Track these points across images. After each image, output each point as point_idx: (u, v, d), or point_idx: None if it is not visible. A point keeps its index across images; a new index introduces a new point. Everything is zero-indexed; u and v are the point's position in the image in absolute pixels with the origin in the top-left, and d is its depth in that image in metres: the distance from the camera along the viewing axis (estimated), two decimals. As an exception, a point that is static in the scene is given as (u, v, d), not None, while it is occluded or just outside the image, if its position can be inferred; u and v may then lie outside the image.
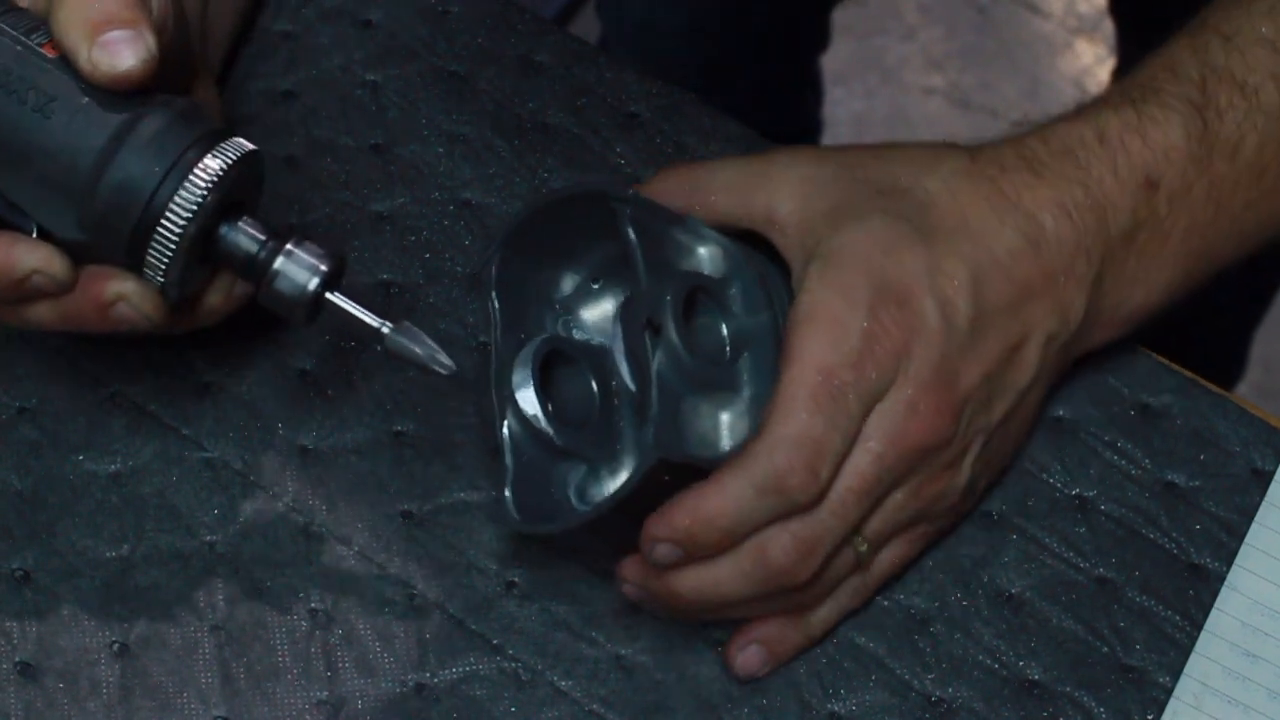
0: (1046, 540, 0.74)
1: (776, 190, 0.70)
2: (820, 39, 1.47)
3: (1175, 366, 0.78)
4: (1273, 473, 0.75)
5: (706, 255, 0.70)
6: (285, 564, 0.73)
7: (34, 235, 0.65)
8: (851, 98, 2.03)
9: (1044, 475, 0.75)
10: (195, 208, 0.64)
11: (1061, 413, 0.76)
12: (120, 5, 0.64)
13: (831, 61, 2.03)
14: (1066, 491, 0.75)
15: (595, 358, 0.72)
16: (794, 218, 0.70)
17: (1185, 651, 0.72)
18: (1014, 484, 0.75)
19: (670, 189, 0.72)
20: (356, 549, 0.73)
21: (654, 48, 1.36)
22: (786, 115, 1.50)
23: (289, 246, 0.67)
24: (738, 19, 1.34)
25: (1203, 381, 0.77)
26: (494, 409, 0.70)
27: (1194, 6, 0.74)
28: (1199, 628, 0.72)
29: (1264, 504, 0.75)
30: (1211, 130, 0.71)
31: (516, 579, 0.73)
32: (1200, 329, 1.42)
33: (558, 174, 0.81)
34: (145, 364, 0.76)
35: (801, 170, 0.71)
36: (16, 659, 0.71)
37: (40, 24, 0.66)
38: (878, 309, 0.66)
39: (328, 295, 0.67)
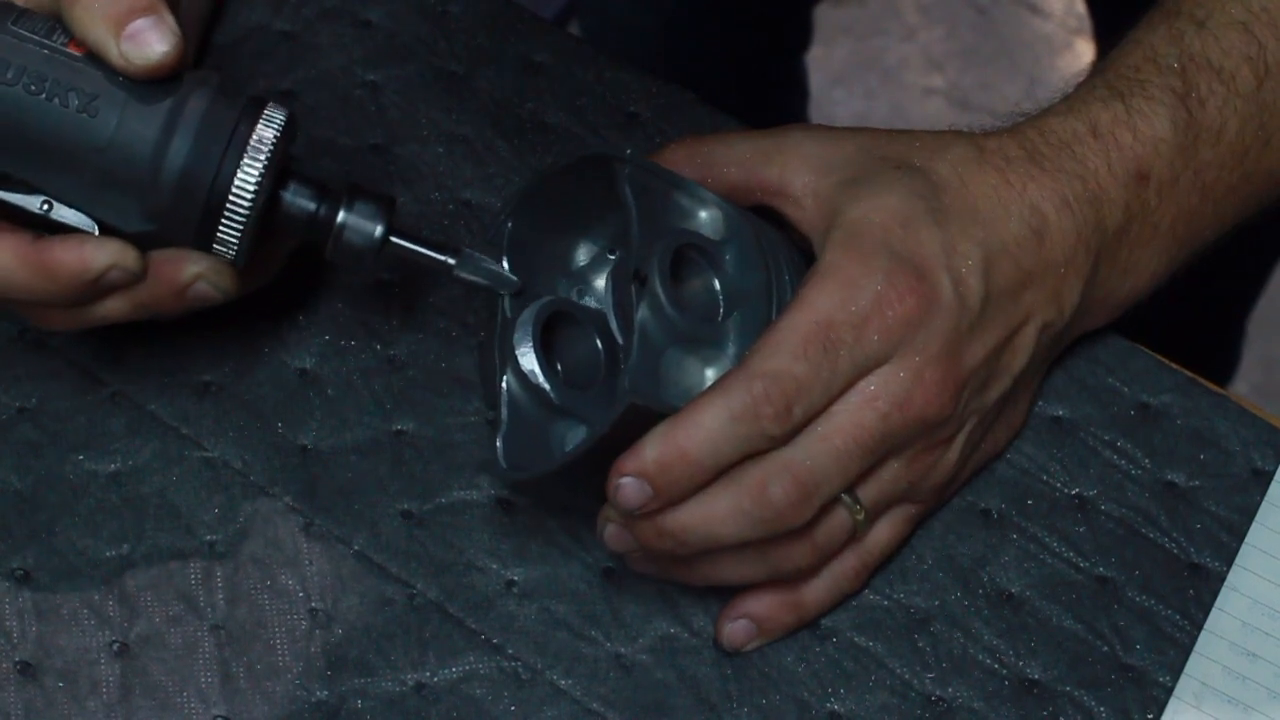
0: (1046, 540, 0.74)
1: (790, 163, 0.71)
2: (803, 38, 1.46)
3: (1175, 366, 0.78)
4: (1273, 473, 0.75)
5: (706, 218, 0.71)
6: (285, 564, 0.73)
7: (96, 233, 0.66)
8: (851, 98, 2.03)
9: (1044, 475, 0.75)
10: (259, 180, 0.66)
11: (1061, 413, 0.76)
12: None
13: (831, 61, 2.03)
14: (1066, 491, 0.75)
15: (602, 321, 0.73)
16: (809, 189, 0.71)
17: (1185, 651, 0.72)
18: (1014, 484, 0.75)
19: (680, 160, 0.73)
20: (356, 549, 0.73)
21: (633, 50, 1.36)
22: (773, 115, 1.50)
23: (347, 199, 0.69)
24: (718, 20, 1.34)
25: (1203, 381, 0.77)
26: (494, 365, 0.71)
27: None
28: (1199, 627, 0.73)
29: (1264, 504, 0.75)
30: (1195, 119, 0.72)
31: (516, 578, 0.73)
32: (1200, 328, 1.42)
33: (558, 174, 0.81)
34: (145, 364, 0.76)
35: (816, 145, 0.72)
36: (16, 658, 0.71)
37: (55, 23, 0.66)
38: (895, 276, 0.67)
39: (392, 239, 0.69)
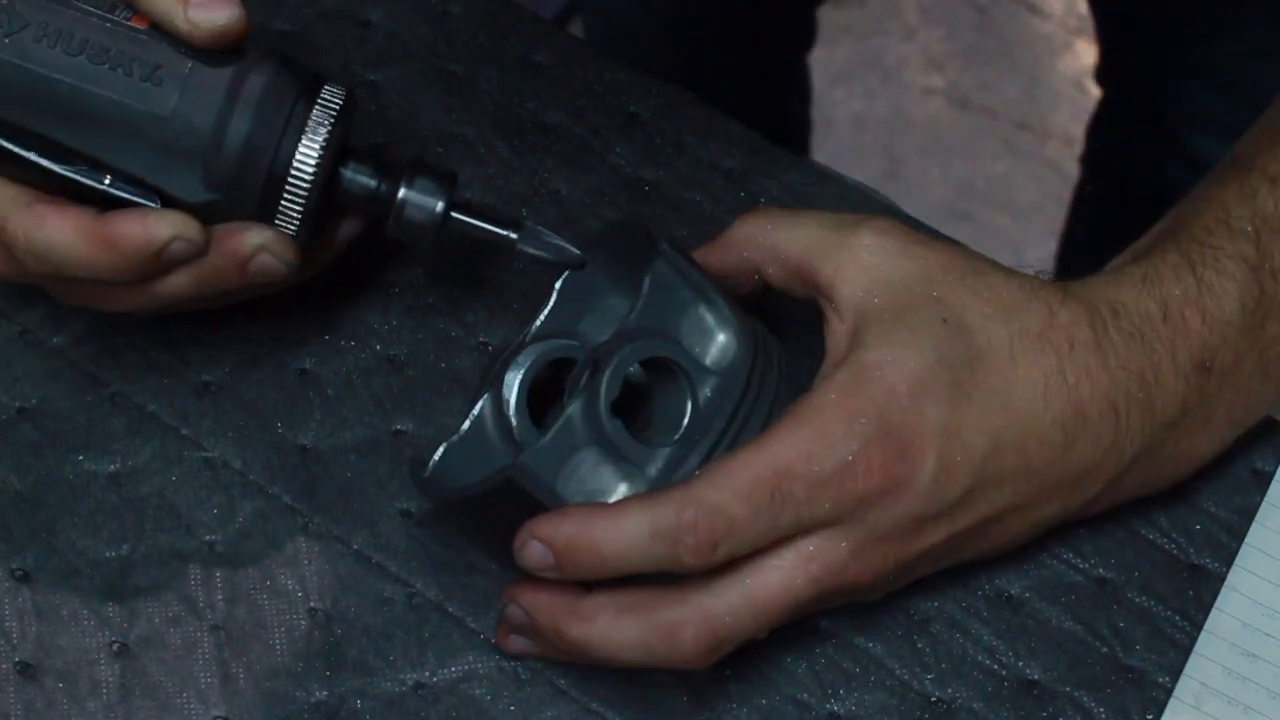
0: (1046, 541, 0.74)
1: (846, 268, 0.67)
2: (806, 37, 1.46)
3: (1175, 366, 0.78)
4: (1273, 473, 0.75)
5: (719, 340, 0.68)
6: (285, 564, 0.73)
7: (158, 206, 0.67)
8: (851, 98, 2.03)
9: (1044, 475, 0.75)
10: (321, 152, 0.67)
11: (1061, 413, 0.76)
12: None
13: (831, 61, 2.03)
14: (1066, 491, 0.75)
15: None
16: (850, 304, 0.66)
17: (1185, 651, 0.72)
18: (1014, 484, 0.75)
19: (747, 235, 0.69)
20: (356, 548, 0.73)
21: (636, 51, 1.36)
22: (774, 116, 1.50)
23: (408, 175, 0.69)
24: (720, 19, 1.34)
25: (1202, 381, 0.77)
26: (479, 385, 0.70)
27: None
28: (1199, 628, 0.73)
29: (1264, 504, 0.75)
30: (1267, 294, 0.68)
31: (516, 579, 0.73)
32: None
33: (557, 174, 0.81)
34: (145, 364, 0.76)
35: (879, 256, 0.67)
36: (16, 659, 0.71)
37: (117, 2, 0.67)
38: (873, 446, 0.63)
39: (454, 215, 0.70)
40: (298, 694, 0.71)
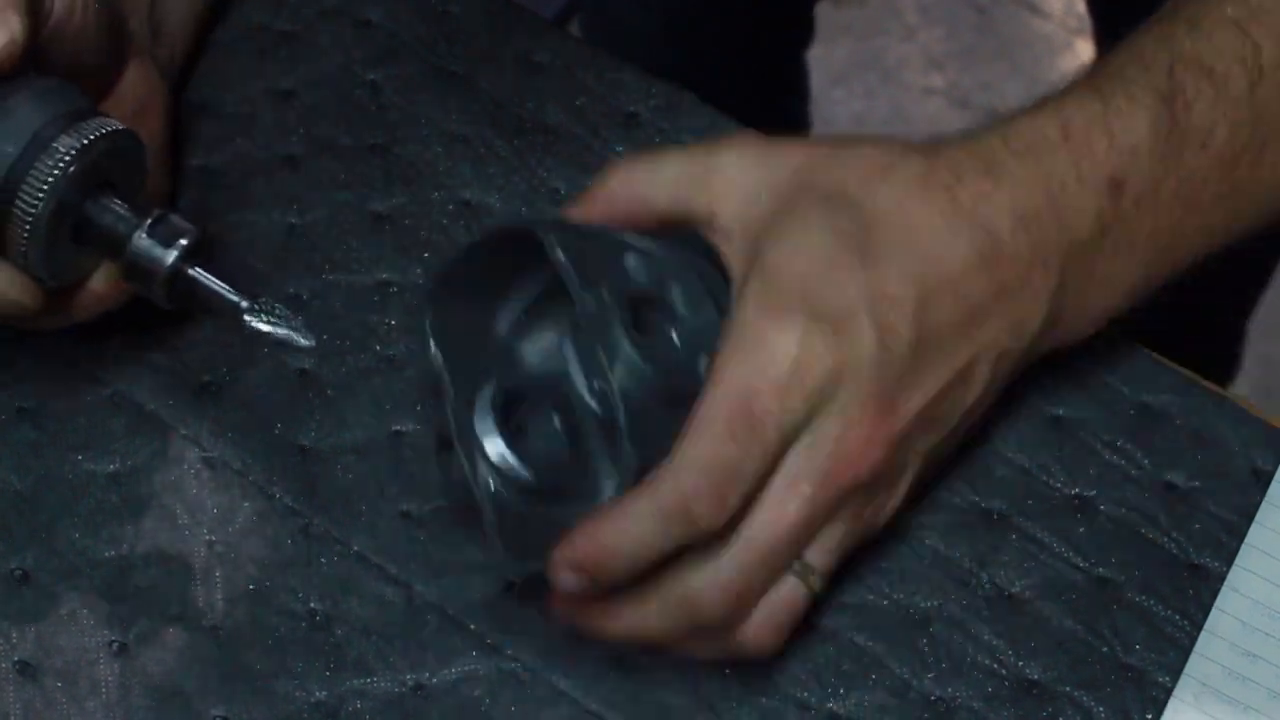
0: (1046, 540, 0.74)
1: (718, 192, 0.67)
2: (805, 36, 1.46)
3: (1175, 366, 0.78)
4: (1273, 473, 0.75)
5: (639, 265, 0.68)
6: (285, 564, 0.73)
7: None
8: (851, 98, 2.03)
9: (1044, 475, 0.75)
10: (50, 181, 0.65)
11: (1061, 413, 0.76)
12: None
13: (831, 61, 2.03)
14: (1066, 491, 0.75)
15: (552, 390, 0.69)
16: (734, 223, 0.66)
17: (1185, 651, 0.72)
18: (1014, 484, 0.75)
19: (615, 190, 0.69)
20: (356, 549, 0.73)
21: (636, 51, 1.36)
22: (773, 115, 1.50)
23: (150, 220, 0.67)
24: (719, 19, 1.34)
25: (1203, 381, 0.77)
26: (463, 464, 0.67)
27: None
28: (1199, 628, 0.72)
29: (1264, 504, 0.75)
30: (1180, 123, 0.67)
31: (516, 579, 0.73)
32: (1200, 328, 1.42)
33: (557, 173, 0.81)
34: (145, 364, 0.76)
35: (746, 169, 0.67)
36: (15, 658, 0.71)
37: None
38: (810, 336, 0.63)
39: (189, 270, 0.67)
40: (298, 694, 0.71)
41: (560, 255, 0.65)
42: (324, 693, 0.71)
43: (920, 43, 2.07)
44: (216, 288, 0.67)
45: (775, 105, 1.50)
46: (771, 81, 1.48)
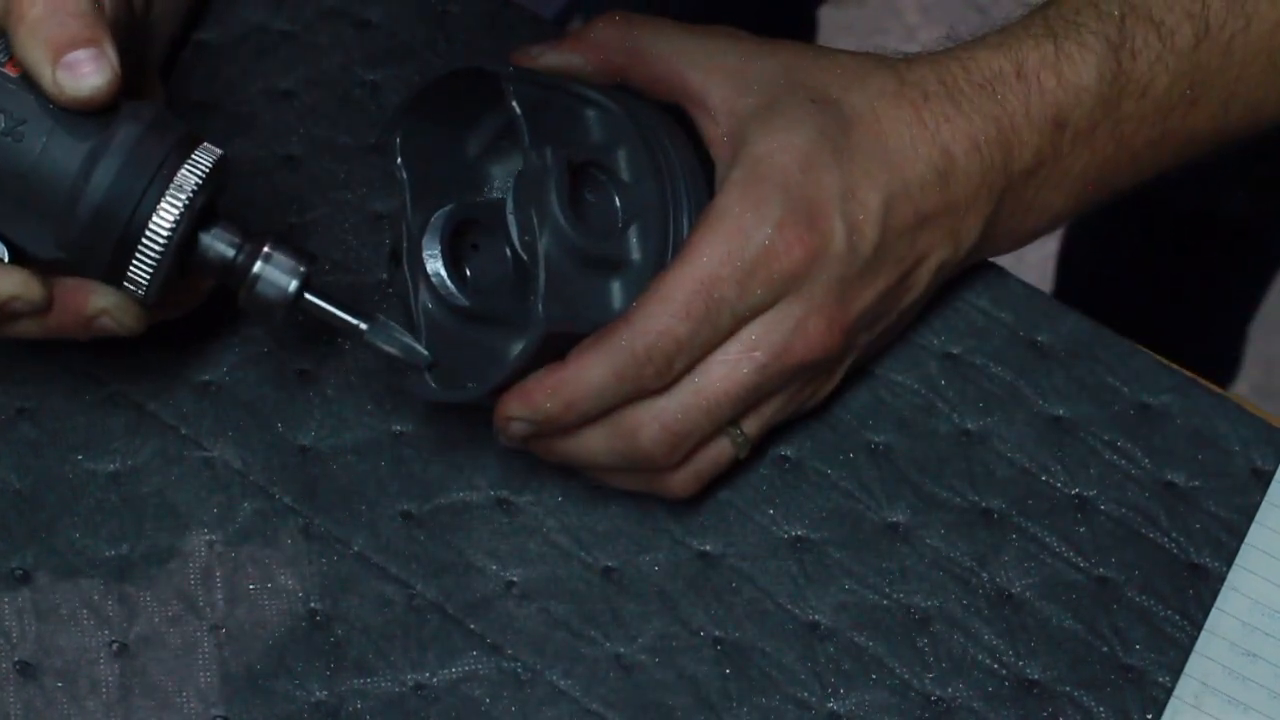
0: (1046, 540, 0.74)
1: (712, 73, 0.71)
2: (806, 35, 1.46)
3: (1175, 366, 0.78)
4: (1273, 473, 0.75)
5: (595, 118, 0.71)
6: (285, 564, 0.73)
7: (5, 258, 0.65)
8: (851, 98, 2.03)
9: (1044, 475, 0.75)
10: (176, 221, 0.65)
11: (1061, 413, 0.76)
12: (81, 24, 0.63)
13: (831, 61, 2.03)
14: (1066, 491, 0.75)
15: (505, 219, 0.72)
16: (724, 107, 0.71)
17: (1185, 651, 0.72)
18: (1014, 484, 0.75)
19: (609, 38, 0.73)
20: (356, 549, 0.73)
21: None
22: None
23: (266, 250, 0.68)
24: (720, 19, 1.34)
25: (1203, 381, 0.77)
26: (407, 282, 0.71)
27: None
28: (1199, 628, 0.72)
29: (1264, 504, 0.75)
30: (1124, 71, 0.72)
31: (516, 579, 0.73)
32: (1200, 328, 1.42)
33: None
34: (145, 364, 0.76)
35: (740, 59, 0.72)
36: (16, 658, 0.71)
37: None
38: (786, 226, 0.68)
39: (306, 296, 0.69)
40: (298, 694, 0.71)
41: (516, 107, 0.68)
42: (324, 693, 0.71)
43: (920, 43, 2.06)
44: (335, 312, 0.69)
45: None
46: None
